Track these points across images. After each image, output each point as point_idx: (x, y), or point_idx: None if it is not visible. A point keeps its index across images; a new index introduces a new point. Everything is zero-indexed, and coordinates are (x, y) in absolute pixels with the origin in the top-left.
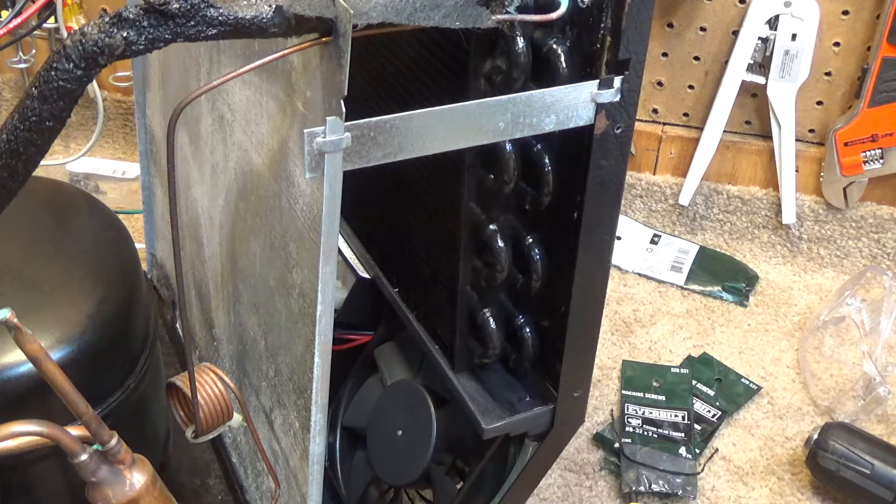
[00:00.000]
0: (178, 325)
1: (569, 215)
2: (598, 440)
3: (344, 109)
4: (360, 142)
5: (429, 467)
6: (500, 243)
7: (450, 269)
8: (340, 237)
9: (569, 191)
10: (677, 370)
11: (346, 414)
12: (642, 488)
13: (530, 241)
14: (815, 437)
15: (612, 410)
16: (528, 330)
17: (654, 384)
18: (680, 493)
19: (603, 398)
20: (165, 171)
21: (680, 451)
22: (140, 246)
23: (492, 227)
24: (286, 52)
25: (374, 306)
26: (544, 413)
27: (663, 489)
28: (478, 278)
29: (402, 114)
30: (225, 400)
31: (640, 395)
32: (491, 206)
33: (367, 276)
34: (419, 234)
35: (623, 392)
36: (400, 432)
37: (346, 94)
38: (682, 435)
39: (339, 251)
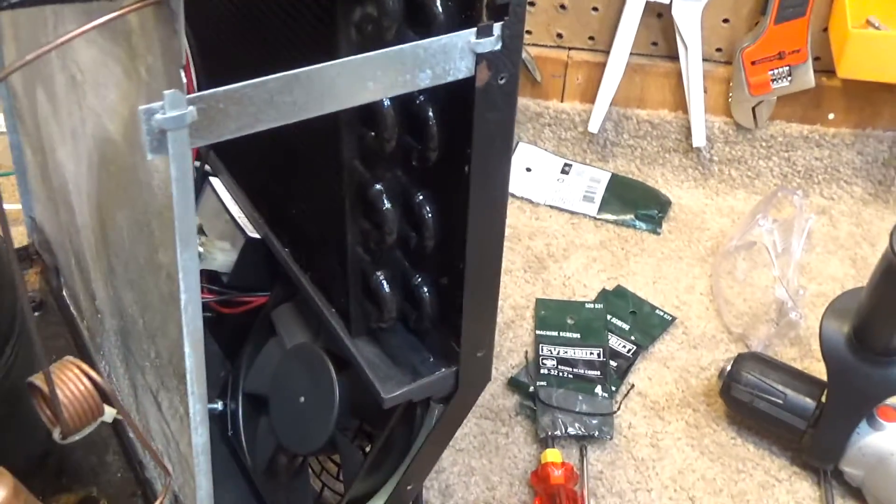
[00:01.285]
0: (64, 293)
1: (458, 170)
2: (513, 385)
3: (184, 80)
4: (209, 115)
5: (334, 435)
6: (387, 204)
7: (337, 232)
8: (228, 195)
9: (456, 145)
10: (591, 305)
11: (247, 379)
12: (558, 432)
13: (420, 198)
14: (728, 368)
15: (526, 352)
16: (425, 290)
17: (569, 321)
18: (596, 434)
19: (517, 339)
20: (31, 129)
21: (596, 391)
22: (15, 207)
23: (377, 186)
24: (120, 12)
25: (267, 267)
26: (448, 375)
27: (579, 432)
28: (367, 240)
29: (254, 81)
30: (91, 397)
31: (555, 334)
32: (375, 163)
33: (256, 236)
34: (305, 194)
35: (537, 332)
36: (302, 398)
37: (183, 63)
38: (598, 373)
39: (227, 210)
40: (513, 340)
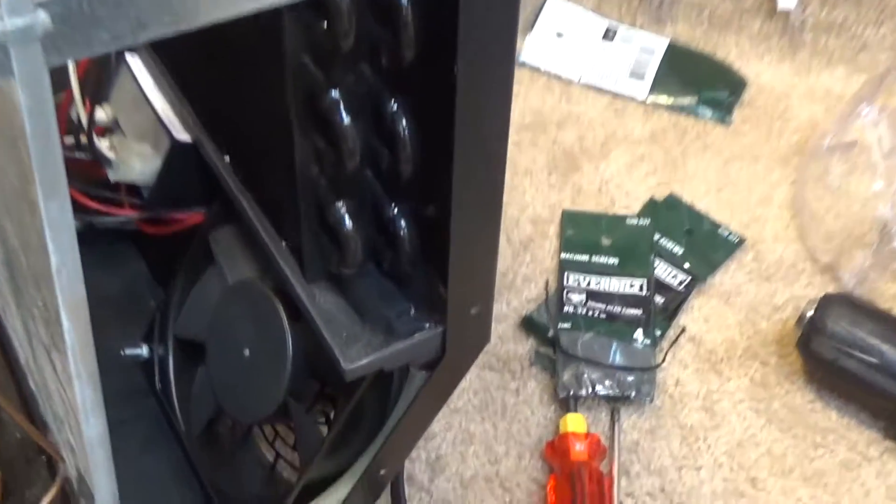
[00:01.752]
0: None
1: (443, 68)
2: (528, 325)
3: None
4: (69, 23)
5: (286, 401)
6: (345, 118)
7: (284, 149)
8: (150, 81)
9: (438, 34)
10: (635, 221)
11: (180, 320)
12: (584, 391)
13: (394, 107)
14: (810, 314)
15: (546, 282)
16: (403, 222)
17: (604, 242)
18: (633, 394)
19: (535, 265)
20: None
21: (635, 337)
22: None
23: (333, 94)
24: None
25: (203, 176)
26: (432, 337)
27: (611, 391)
28: (323, 162)
29: None
30: None
31: (585, 258)
32: (331, 63)
33: (186, 138)
34: (246, 94)
35: (562, 256)
36: (247, 351)
37: None
38: (639, 312)
39: (149, 102)
40: (529, 266)
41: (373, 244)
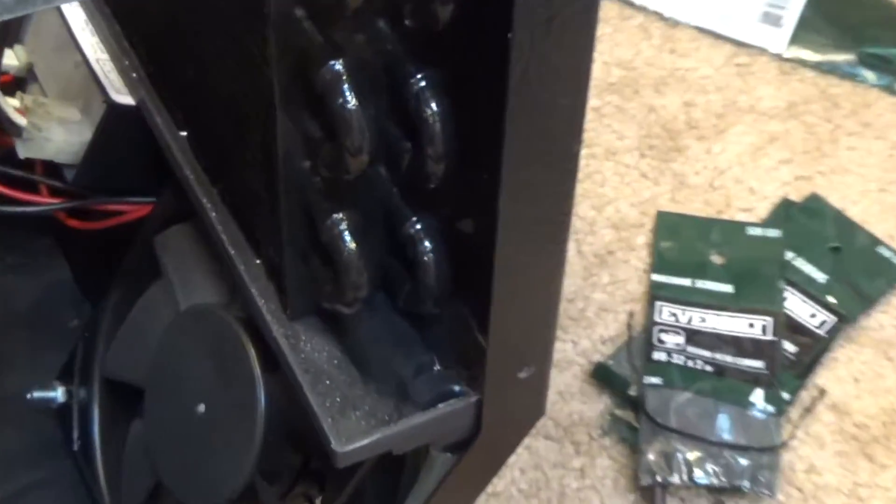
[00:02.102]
0: None
1: (489, 31)
2: (601, 377)
3: None
4: None
5: (253, 482)
6: (350, 98)
7: (263, 134)
8: (85, 21)
9: None
10: (759, 231)
11: (111, 354)
12: (676, 478)
13: (421, 82)
14: None
15: (629, 316)
16: (427, 243)
17: (714, 261)
18: (746, 485)
19: (615, 289)
20: None
21: (752, 400)
22: None
23: (335, 65)
24: None
25: (149, 155)
26: (462, 409)
27: (715, 479)
28: (316, 158)
29: None
30: None
31: (686, 283)
32: (334, 18)
33: (128, 101)
34: (216, 50)
35: (653, 278)
36: (201, 407)
37: None
38: (761, 365)
39: (81, 52)
40: (607, 290)
41: (384, 271)
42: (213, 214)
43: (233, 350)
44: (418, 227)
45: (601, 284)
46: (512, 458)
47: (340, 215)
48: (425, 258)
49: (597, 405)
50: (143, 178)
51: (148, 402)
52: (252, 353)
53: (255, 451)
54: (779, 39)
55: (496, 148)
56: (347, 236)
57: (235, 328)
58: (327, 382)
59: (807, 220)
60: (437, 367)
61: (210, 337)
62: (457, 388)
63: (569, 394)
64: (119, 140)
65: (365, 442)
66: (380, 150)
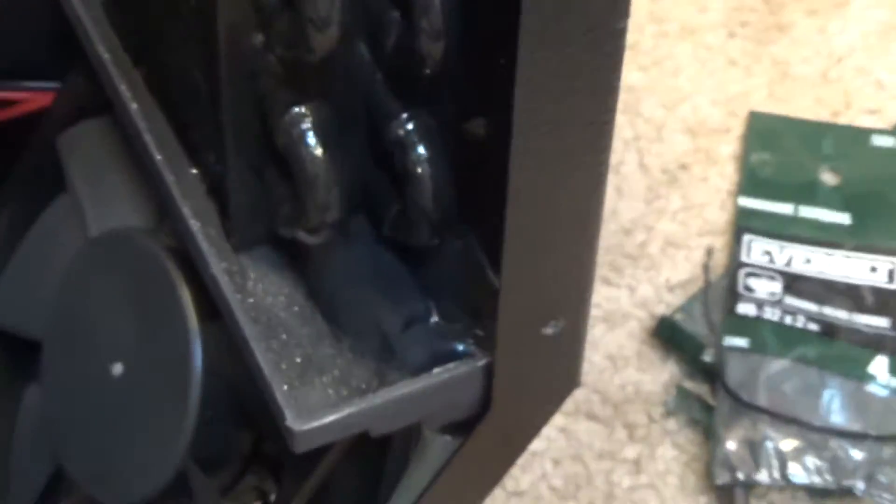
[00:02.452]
0: None
1: None
2: (666, 337)
3: None
4: None
5: (185, 469)
6: None
7: None
8: None
9: None
10: (889, 141)
11: None
12: (764, 475)
13: None
14: None
15: (707, 253)
16: (422, 149)
17: (825, 180)
18: (862, 486)
19: (688, 216)
20: None
21: (871, 372)
22: None
23: None
24: None
25: (50, 23)
26: (466, 377)
27: (817, 478)
28: (273, 27)
29: None
30: None
31: (786, 210)
32: None
33: None
34: None
35: (740, 203)
36: (118, 367)
37: None
38: (887, 325)
39: None
40: (678, 218)
41: (363, 187)
42: (135, 106)
43: (159, 291)
44: (410, 126)
45: (670, 211)
46: (542, 446)
47: (303, 109)
48: (419, 169)
49: (659, 375)
50: (41, 57)
51: (46, 360)
52: (185, 295)
53: (188, 428)
54: None
55: (514, 16)
56: (312, 137)
57: (163, 261)
58: (283, 337)
59: None
60: (433, 319)
61: (129, 273)
62: (460, 346)
63: (621, 359)
64: (9, 5)
65: (333, 418)
66: (357, 22)
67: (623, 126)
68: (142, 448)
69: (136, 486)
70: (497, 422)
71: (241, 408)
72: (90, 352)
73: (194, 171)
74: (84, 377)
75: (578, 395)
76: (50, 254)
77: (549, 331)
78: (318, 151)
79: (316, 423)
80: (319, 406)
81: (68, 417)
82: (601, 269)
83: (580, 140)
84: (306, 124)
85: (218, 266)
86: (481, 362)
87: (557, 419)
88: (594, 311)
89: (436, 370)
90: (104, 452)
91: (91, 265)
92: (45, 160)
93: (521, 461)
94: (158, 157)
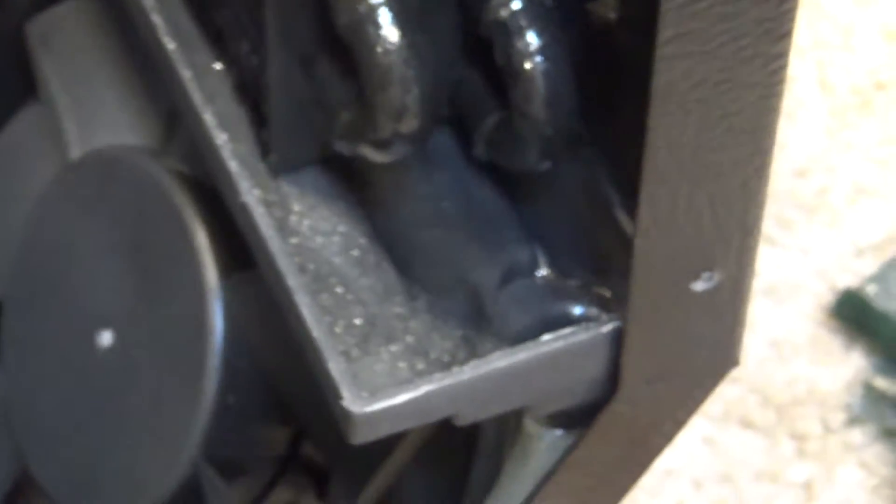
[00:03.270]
0: None
1: None
2: (853, 314)
3: None
4: None
5: (196, 473)
6: None
7: None
8: None
9: None
10: None
11: None
12: None
13: None
14: None
15: None
16: (534, 38)
17: None
18: None
19: (889, 154)
20: None
21: None
22: None
23: None
24: None
25: None
26: (589, 346)
27: None
28: None
29: None
30: None
31: None
32: None
33: None
34: None
35: None
36: (107, 338)
37: None
38: None
39: None
40: (872, 156)
41: (453, 87)
42: None
43: (165, 231)
44: (516, 5)
45: (861, 145)
46: (680, 461)
47: None
48: (528, 64)
49: (840, 369)
50: None
51: (6, 328)
52: (200, 236)
53: (201, 418)
54: None
55: None
56: (385, 15)
57: (169, 191)
58: (339, 290)
59: None
60: (542, 272)
61: (123, 208)
62: (577, 308)
63: (789, 346)
64: None
65: (405, 398)
66: None
67: (798, 29)
68: (138, 447)
69: (131, 499)
70: (626, 410)
71: (274, 393)
72: (68, 315)
73: (219, 65)
74: (60, 350)
75: (730, 393)
76: (14, 182)
77: (700, 286)
78: (394, 35)
79: (382, 405)
80: (387, 382)
81: (37, 406)
82: (763, 223)
83: (749, 22)
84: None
85: (250, 194)
86: (607, 328)
87: (702, 426)
88: (753, 282)
89: (545, 338)
90: (86, 453)
91: (70, 197)
92: (8, 56)
93: (650, 482)
94: (170, 47)
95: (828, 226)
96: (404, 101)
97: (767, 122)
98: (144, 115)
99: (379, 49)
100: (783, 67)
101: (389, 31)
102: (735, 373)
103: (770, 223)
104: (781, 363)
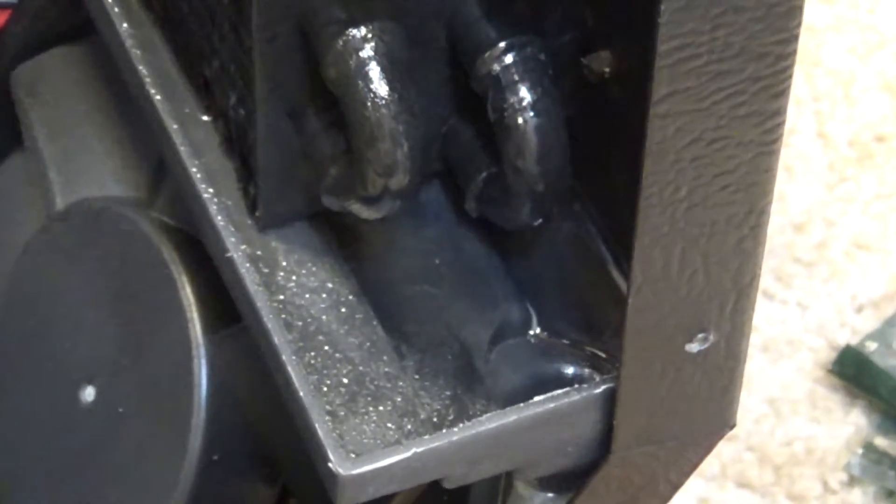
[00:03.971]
0: None
1: None
2: (852, 372)
3: None
4: None
5: None
6: None
7: None
8: None
9: None
10: None
11: None
12: None
13: None
14: None
15: None
16: (527, 92)
17: None
18: None
19: (888, 206)
20: None
21: None
22: None
23: None
24: None
25: None
26: (578, 411)
27: None
28: None
29: None
30: None
31: None
32: None
33: None
34: None
35: None
36: (89, 393)
37: None
38: None
39: None
40: (872, 208)
41: (444, 142)
42: (125, 26)
43: (150, 285)
44: (509, 59)
45: (860, 199)
46: None
47: (363, 31)
48: (520, 118)
49: (840, 427)
50: None
51: None
52: (186, 291)
53: (186, 477)
54: None
55: None
56: (374, 70)
57: (155, 244)
58: (326, 348)
59: None
60: (534, 330)
61: (108, 260)
62: (569, 368)
63: (787, 403)
64: None
65: (393, 460)
66: None
67: (797, 81)
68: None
69: None
70: (619, 473)
71: (260, 450)
72: (51, 368)
73: (206, 117)
74: (42, 404)
75: (727, 452)
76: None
77: (694, 347)
78: (384, 90)
79: (369, 467)
80: (375, 443)
81: (19, 461)
82: (761, 278)
83: (745, 80)
84: (367, 51)
85: (237, 249)
86: (599, 389)
87: (697, 486)
88: (751, 337)
89: (536, 399)
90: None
91: (55, 248)
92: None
93: None
94: (157, 98)
95: (826, 281)
96: (394, 156)
97: (763, 180)
98: (131, 166)
99: (368, 103)
100: (780, 125)
101: (379, 85)
102: (731, 431)
103: (768, 278)
104: (779, 421)
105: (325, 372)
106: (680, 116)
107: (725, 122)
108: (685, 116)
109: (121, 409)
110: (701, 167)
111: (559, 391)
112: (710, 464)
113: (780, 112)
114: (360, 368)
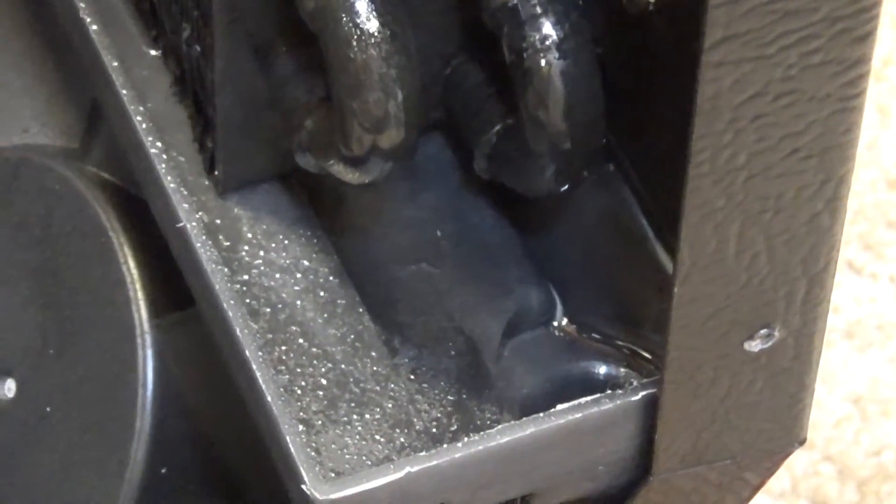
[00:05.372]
0: None
1: None
2: None
3: None
4: None
5: None
6: None
7: None
8: None
9: None
10: None
11: None
12: None
13: None
14: None
15: None
16: (551, 29)
17: None
18: None
19: None
20: None
21: None
22: None
23: None
24: None
25: None
26: (611, 421)
27: None
28: None
29: None
30: None
31: None
32: None
33: None
34: None
35: None
36: (9, 388)
37: None
38: None
39: None
40: None
41: (447, 89)
42: None
43: (84, 256)
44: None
45: None
46: None
47: None
48: (543, 62)
49: None
50: None
51: None
52: (129, 264)
53: (126, 494)
54: None
55: None
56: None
57: (91, 204)
58: (300, 341)
59: None
60: (558, 321)
61: (33, 221)
62: (601, 369)
63: (877, 402)
64: None
65: (380, 482)
66: None
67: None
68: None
69: None
70: (661, 499)
71: (216, 465)
72: None
73: (154, 52)
74: None
75: (799, 463)
76: None
77: (755, 345)
78: (372, 24)
79: (352, 490)
80: (359, 461)
81: None
82: (844, 247)
83: (819, 21)
84: None
85: (191, 217)
86: (637, 396)
87: (763, 503)
88: (831, 319)
89: (559, 407)
90: None
91: None
92: None
93: None
94: (93, 28)
95: None
96: (384, 107)
97: (842, 143)
98: (59, 108)
99: (354, 42)
100: (862, 77)
101: (367, 18)
102: (808, 435)
103: (853, 246)
104: (865, 425)
105: (298, 371)
106: (738, 66)
107: (795, 73)
108: (744, 66)
109: (47, 409)
110: (764, 128)
111: (587, 398)
112: (778, 477)
113: (862, 60)
114: (342, 367)
